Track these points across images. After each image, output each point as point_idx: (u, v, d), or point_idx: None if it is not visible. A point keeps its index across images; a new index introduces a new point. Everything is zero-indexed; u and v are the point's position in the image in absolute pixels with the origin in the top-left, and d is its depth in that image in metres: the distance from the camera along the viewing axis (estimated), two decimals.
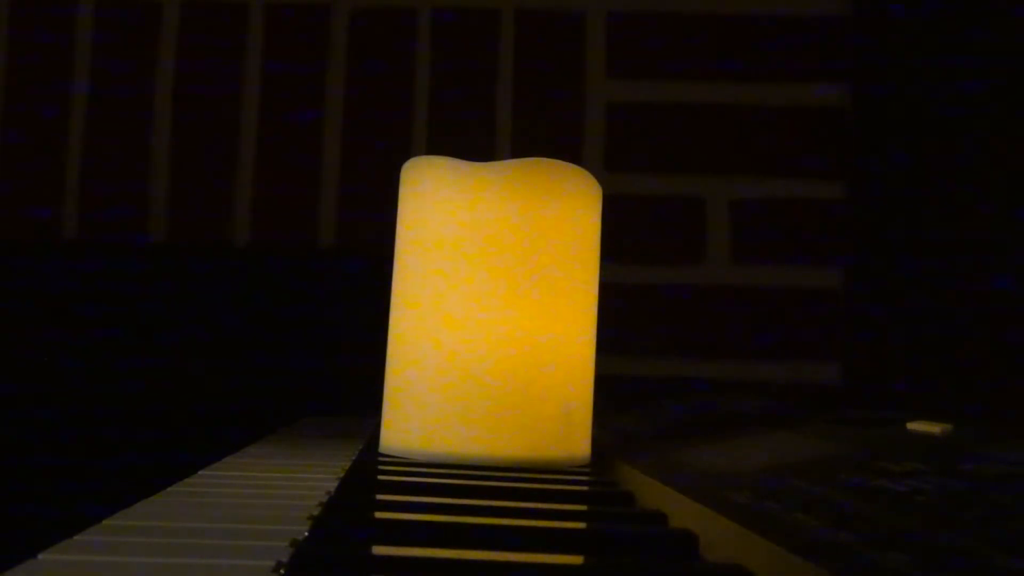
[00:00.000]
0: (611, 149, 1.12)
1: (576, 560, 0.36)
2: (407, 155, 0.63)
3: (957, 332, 1.00)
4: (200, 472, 0.48)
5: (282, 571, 0.29)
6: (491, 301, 0.57)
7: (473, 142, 1.11)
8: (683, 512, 0.39)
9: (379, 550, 0.35)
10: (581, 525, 0.41)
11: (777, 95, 1.12)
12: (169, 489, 0.43)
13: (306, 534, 0.34)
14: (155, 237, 1.10)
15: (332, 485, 0.46)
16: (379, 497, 0.44)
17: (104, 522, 0.35)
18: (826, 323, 1.09)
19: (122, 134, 1.12)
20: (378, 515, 0.41)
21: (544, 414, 0.57)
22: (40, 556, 0.29)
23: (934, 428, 0.46)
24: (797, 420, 0.60)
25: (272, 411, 0.90)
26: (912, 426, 0.48)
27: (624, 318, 1.08)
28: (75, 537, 0.32)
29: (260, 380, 1.03)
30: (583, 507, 0.46)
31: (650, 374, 1.08)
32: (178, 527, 0.35)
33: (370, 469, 0.53)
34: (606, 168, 1.11)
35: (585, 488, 0.51)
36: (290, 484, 0.46)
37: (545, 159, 0.58)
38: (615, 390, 0.74)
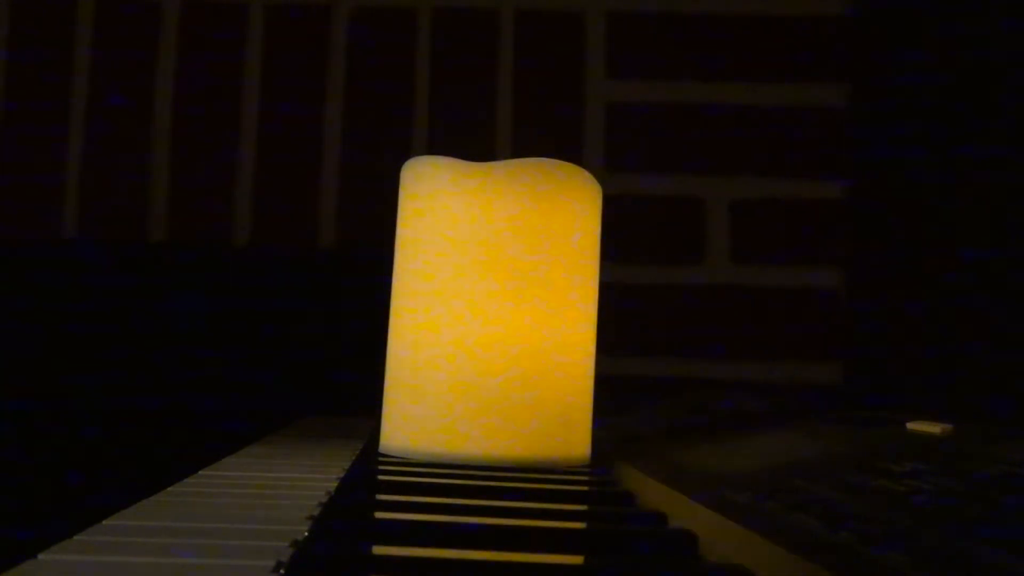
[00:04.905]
0: (611, 149, 1.12)
1: (576, 560, 0.36)
2: (407, 155, 0.63)
3: (957, 332, 1.00)
4: (200, 472, 0.48)
5: (282, 571, 0.29)
6: (491, 301, 0.57)
7: (473, 142, 1.11)
8: (683, 512, 0.39)
9: (379, 550, 0.35)
10: (581, 525, 0.41)
11: (777, 95, 1.12)
12: (169, 489, 0.43)
13: (306, 534, 0.34)
14: (155, 237, 1.10)
15: (332, 485, 0.46)
16: (379, 497, 0.44)
17: (104, 522, 0.35)
18: (826, 323, 1.09)
19: (122, 134, 1.12)
20: (378, 515, 0.41)
21: (544, 414, 0.57)
22: (40, 556, 0.29)
23: (934, 428, 0.46)
24: (797, 420, 0.60)
25: (272, 411, 0.90)
26: (912, 426, 0.48)
27: (624, 318, 1.08)
28: (75, 537, 0.32)
29: (260, 380, 1.03)
30: (583, 507, 0.46)
31: (650, 374, 1.08)
32: (178, 527, 0.35)
33: (370, 469, 0.53)
34: (606, 168, 1.11)
35: (585, 488, 0.51)
36: (290, 484, 0.46)
37: (545, 159, 0.58)
38: (615, 390, 0.74)
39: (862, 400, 1.03)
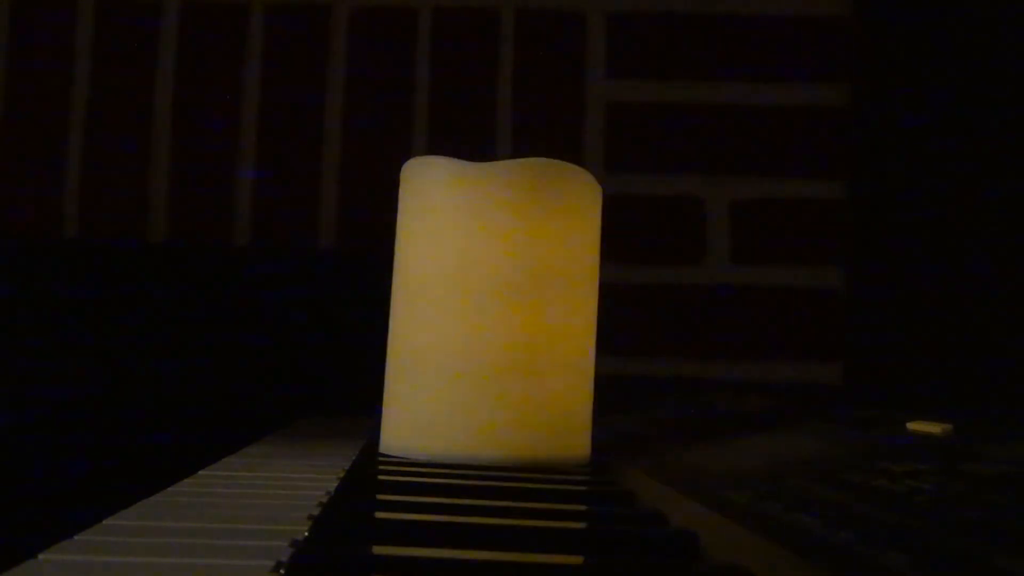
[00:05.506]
0: (611, 149, 1.12)
1: (576, 560, 0.36)
2: (407, 155, 0.63)
3: (957, 332, 1.00)
4: (200, 472, 0.48)
5: (282, 571, 0.29)
6: (491, 301, 0.57)
7: (473, 142, 1.11)
8: (683, 512, 0.39)
9: (379, 550, 0.35)
10: (581, 525, 0.41)
11: (777, 95, 1.12)
12: (169, 489, 0.43)
13: (306, 534, 0.34)
14: (155, 237, 1.10)
15: (332, 485, 0.46)
16: (379, 497, 0.44)
17: (104, 522, 0.35)
18: (826, 323, 1.09)
19: (122, 134, 1.12)
20: (378, 515, 0.41)
21: (544, 414, 0.57)
22: (40, 556, 0.29)
23: (934, 428, 0.46)
24: (797, 420, 0.60)
25: (272, 411, 0.90)
26: (912, 426, 0.48)
27: (624, 318, 1.08)
28: (75, 537, 0.32)
29: (260, 380, 1.03)
30: (583, 507, 0.46)
31: (650, 374, 1.08)
32: (178, 527, 0.35)
33: (370, 469, 0.53)
34: (606, 168, 1.11)
35: (585, 488, 0.51)
36: (290, 484, 0.46)
37: (545, 159, 0.58)
38: (615, 390, 0.74)
39: (862, 400, 1.03)
